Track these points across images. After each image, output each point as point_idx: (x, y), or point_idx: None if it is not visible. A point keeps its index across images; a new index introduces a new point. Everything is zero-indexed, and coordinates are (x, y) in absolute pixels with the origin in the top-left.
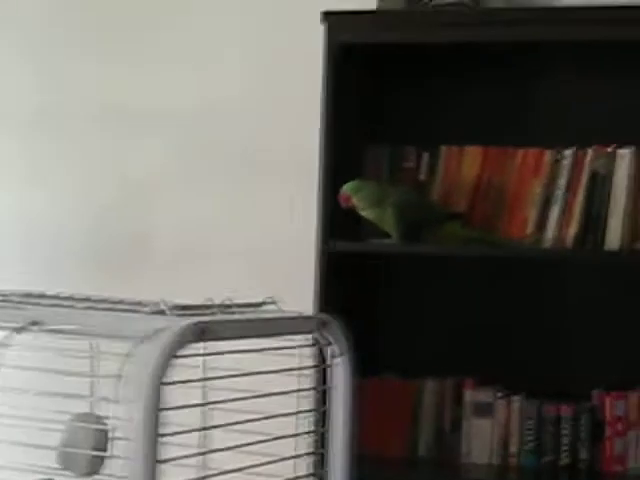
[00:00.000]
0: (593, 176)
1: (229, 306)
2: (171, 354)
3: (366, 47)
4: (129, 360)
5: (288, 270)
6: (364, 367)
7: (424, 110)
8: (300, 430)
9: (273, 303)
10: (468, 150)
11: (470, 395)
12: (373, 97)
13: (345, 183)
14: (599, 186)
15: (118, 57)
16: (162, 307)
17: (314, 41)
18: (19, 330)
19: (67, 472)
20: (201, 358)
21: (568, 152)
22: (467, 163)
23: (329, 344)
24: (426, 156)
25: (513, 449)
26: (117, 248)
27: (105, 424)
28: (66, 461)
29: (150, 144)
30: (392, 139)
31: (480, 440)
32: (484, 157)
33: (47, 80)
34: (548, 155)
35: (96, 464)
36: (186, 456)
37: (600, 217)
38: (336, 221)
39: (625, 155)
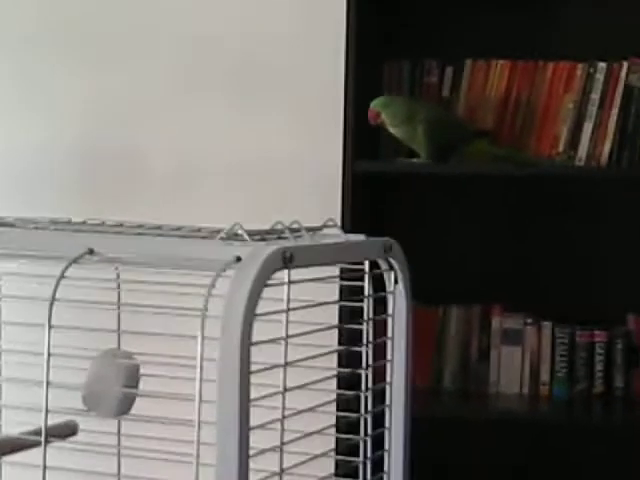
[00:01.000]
0: (628, 90)
1: (298, 230)
2: (261, 283)
3: None
4: (211, 292)
5: (304, 193)
6: None
7: (447, 21)
8: (364, 362)
9: (335, 226)
10: (494, 64)
11: (498, 322)
12: (391, 6)
13: (370, 100)
14: (635, 101)
15: None
16: (238, 231)
17: None
18: (77, 260)
19: (93, 413)
20: (283, 288)
21: (602, 65)
22: (494, 78)
23: (390, 269)
24: (449, 70)
25: (544, 377)
26: (105, 170)
27: (134, 360)
28: (92, 401)
29: (144, 62)
30: (412, 52)
31: (509, 369)
32: (511, 71)
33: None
34: (580, 68)
35: (125, 404)
36: (273, 393)
37: (636, 133)
38: (360, 141)
39: None
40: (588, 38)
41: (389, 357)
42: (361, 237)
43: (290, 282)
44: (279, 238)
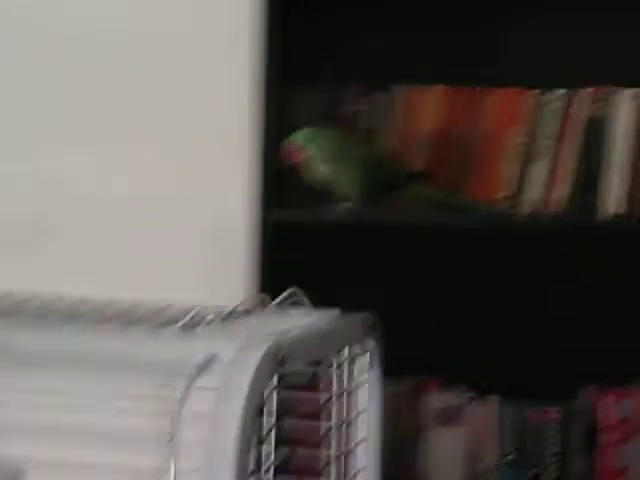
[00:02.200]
0: (591, 123)
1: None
2: (255, 400)
3: None
4: (179, 410)
5: (198, 248)
6: None
7: (369, 39)
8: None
9: (295, 300)
10: (428, 90)
11: (433, 398)
12: (302, 24)
13: (279, 134)
14: (598, 135)
15: None
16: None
17: None
18: None
19: None
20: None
21: (558, 93)
22: (426, 107)
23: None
24: (373, 98)
25: (489, 463)
26: None
27: None
28: None
29: None
30: (328, 77)
31: (447, 454)
32: (448, 99)
33: None
34: (531, 97)
35: None
36: None
37: (600, 174)
38: (272, 183)
39: (630, 97)
40: (540, 62)
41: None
42: (335, 313)
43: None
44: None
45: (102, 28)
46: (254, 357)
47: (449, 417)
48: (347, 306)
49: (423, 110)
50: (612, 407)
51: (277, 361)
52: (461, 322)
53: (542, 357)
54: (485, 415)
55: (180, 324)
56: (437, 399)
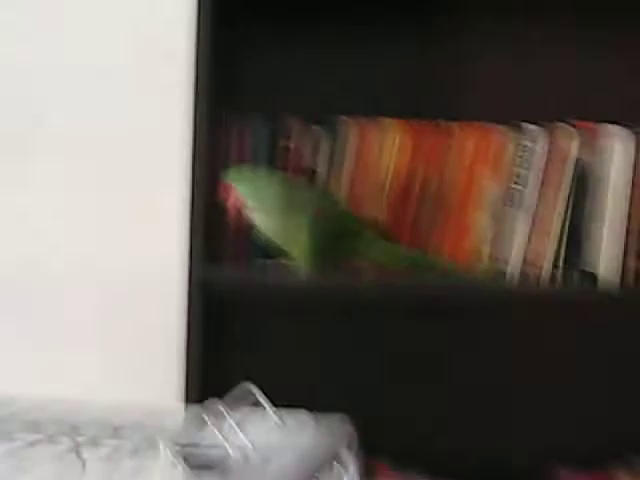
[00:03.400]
0: (579, 167)
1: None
2: None
3: None
4: None
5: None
6: None
7: (316, 64)
8: None
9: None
10: (385, 125)
11: None
12: (237, 48)
13: (213, 172)
14: (588, 182)
15: None
16: None
17: None
18: None
19: None
20: None
21: (538, 131)
22: (384, 145)
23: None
24: (321, 133)
25: None
26: None
27: None
28: None
29: None
30: (268, 108)
31: None
32: (410, 136)
33: None
34: (507, 135)
35: None
36: None
37: (591, 229)
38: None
39: (627, 138)
40: (516, 94)
41: None
42: (307, 420)
43: None
44: None
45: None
46: None
47: None
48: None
49: (380, 149)
50: None
51: None
52: (419, 402)
53: (509, 437)
54: None
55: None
56: None
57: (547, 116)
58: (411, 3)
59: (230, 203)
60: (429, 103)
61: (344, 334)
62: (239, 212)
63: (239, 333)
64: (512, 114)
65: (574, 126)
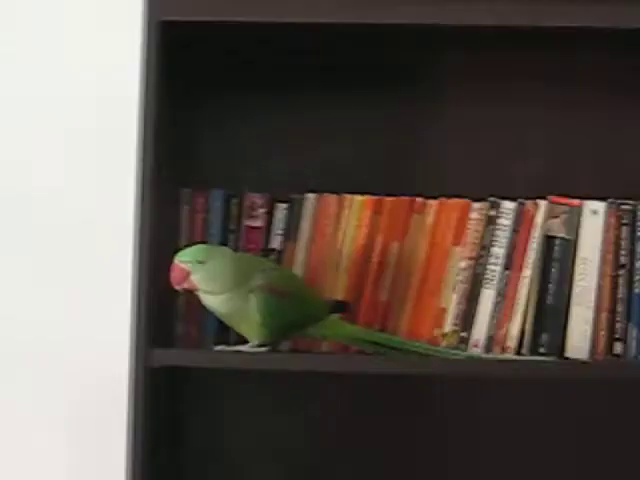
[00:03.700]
0: (549, 242)
1: None
2: None
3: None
4: None
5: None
6: None
7: (277, 139)
8: None
9: None
10: (349, 201)
11: None
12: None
13: (165, 253)
14: (558, 257)
15: None
16: None
17: None
18: None
19: None
20: None
21: (509, 206)
22: (344, 221)
23: None
24: (282, 209)
25: None
26: None
27: None
28: None
29: None
30: (225, 183)
31: None
32: (374, 211)
33: None
34: (476, 210)
35: None
36: None
37: (561, 306)
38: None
39: (597, 211)
40: (483, 167)
41: None
42: None
43: None
44: None
45: None
46: None
47: None
48: None
49: (339, 225)
50: None
51: None
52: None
53: None
54: None
55: None
56: None
57: (515, 191)
58: (378, 76)
59: (181, 281)
60: (396, 179)
61: (298, 416)
62: (189, 292)
63: (183, 410)
64: (480, 189)
65: (544, 200)
